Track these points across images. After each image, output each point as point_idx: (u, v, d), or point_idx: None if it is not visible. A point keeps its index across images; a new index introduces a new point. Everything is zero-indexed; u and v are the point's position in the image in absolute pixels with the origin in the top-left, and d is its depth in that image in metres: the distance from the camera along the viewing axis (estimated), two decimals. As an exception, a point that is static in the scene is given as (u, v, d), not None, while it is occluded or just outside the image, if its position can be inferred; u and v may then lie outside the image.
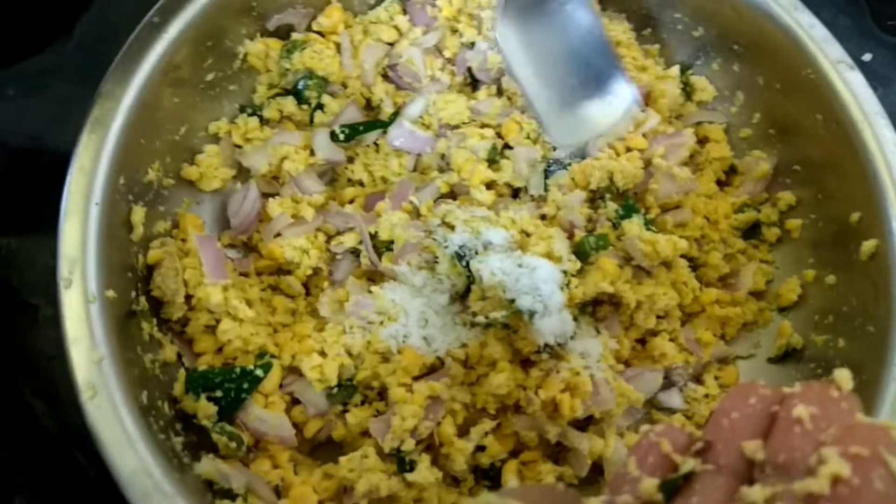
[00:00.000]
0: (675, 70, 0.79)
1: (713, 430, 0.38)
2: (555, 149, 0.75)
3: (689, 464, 0.37)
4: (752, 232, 0.77)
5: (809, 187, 0.74)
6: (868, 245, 0.65)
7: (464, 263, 0.68)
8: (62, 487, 0.71)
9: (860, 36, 0.95)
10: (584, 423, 0.68)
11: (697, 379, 0.73)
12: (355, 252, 0.73)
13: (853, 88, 0.68)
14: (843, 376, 0.36)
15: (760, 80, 0.75)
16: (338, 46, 0.78)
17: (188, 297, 0.66)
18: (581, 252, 0.68)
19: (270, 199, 0.74)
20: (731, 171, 0.79)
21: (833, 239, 0.71)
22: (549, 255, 0.66)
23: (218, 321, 0.66)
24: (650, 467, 0.38)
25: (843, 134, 0.68)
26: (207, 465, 0.58)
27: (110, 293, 0.58)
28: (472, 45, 0.79)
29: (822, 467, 0.32)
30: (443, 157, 0.78)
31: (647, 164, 0.74)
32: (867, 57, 0.90)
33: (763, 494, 0.33)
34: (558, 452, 0.69)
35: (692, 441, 0.38)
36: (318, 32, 0.78)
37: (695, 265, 0.73)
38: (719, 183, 0.78)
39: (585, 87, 0.75)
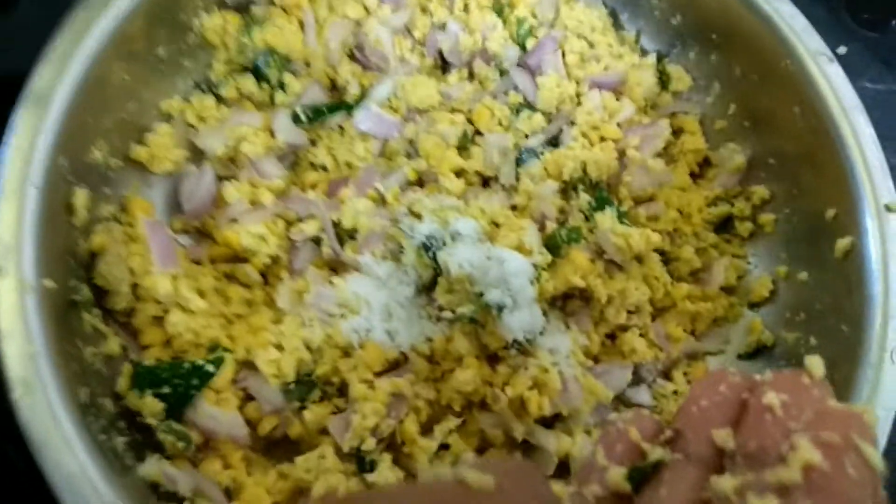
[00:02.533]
0: (652, 58, 0.76)
1: (682, 419, 0.36)
2: (527, 136, 0.72)
3: (657, 452, 0.35)
4: (724, 226, 0.75)
5: (784, 181, 0.72)
6: (843, 243, 0.64)
7: (430, 255, 0.65)
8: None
9: (835, 29, 0.94)
10: (551, 421, 0.66)
11: (666, 375, 0.71)
12: (316, 240, 0.70)
13: (832, 81, 0.66)
14: (815, 363, 0.35)
15: (738, 70, 0.73)
16: (301, 23, 0.74)
17: (134, 287, 0.62)
18: (552, 245, 0.65)
19: (226, 183, 0.70)
20: (705, 163, 0.77)
21: (807, 235, 0.70)
22: (519, 248, 0.63)
23: (166, 312, 0.62)
24: (618, 456, 0.37)
25: (820, 128, 0.66)
26: (152, 467, 0.54)
27: (48, 282, 0.53)
28: (443, 26, 0.76)
29: (792, 455, 0.31)
30: (411, 142, 0.74)
31: (621, 154, 0.71)
32: (842, 50, 0.88)
33: (733, 483, 0.32)
34: (524, 450, 0.67)
35: (661, 429, 0.37)
36: (280, 7, 0.73)
37: (666, 259, 0.71)
38: (692, 175, 0.76)
39: None
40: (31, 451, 0.49)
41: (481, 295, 0.62)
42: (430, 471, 0.41)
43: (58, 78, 0.58)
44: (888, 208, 0.62)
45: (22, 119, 0.56)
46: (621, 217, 0.67)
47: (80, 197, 0.59)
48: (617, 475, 0.35)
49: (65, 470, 0.49)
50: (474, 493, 0.33)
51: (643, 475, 0.35)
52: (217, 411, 0.60)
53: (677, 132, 0.77)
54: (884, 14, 0.95)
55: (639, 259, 0.67)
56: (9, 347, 0.50)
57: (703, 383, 0.37)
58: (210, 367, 0.60)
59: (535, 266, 0.63)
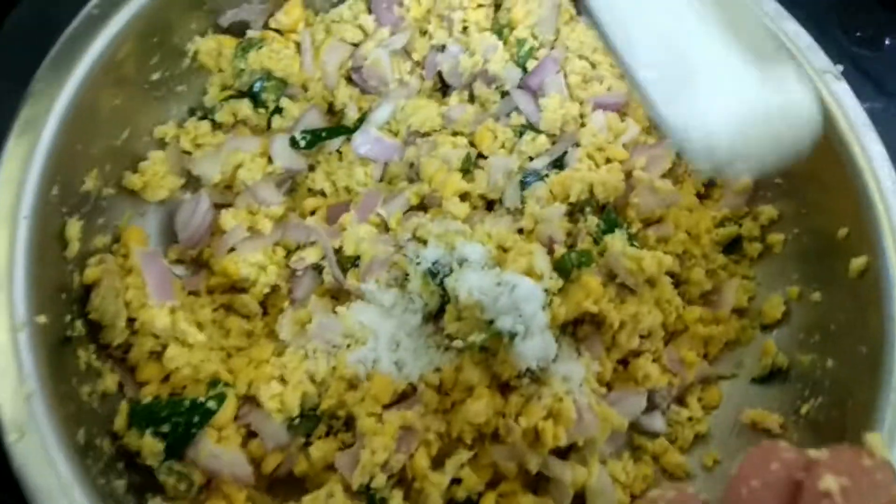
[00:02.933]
0: (655, 78, 0.75)
1: (731, 500, 0.34)
2: (531, 158, 0.71)
3: None
4: (732, 247, 0.74)
5: (792, 201, 0.71)
6: (857, 262, 0.63)
7: (437, 281, 0.63)
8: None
9: (828, 48, 0.94)
10: (565, 452, 0.64)
11: (680, 401, 0.70)
12: (317, 268, 0.68)
13: (840, 99, 0.65)
14: (876, 442, 0.33)
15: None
16: (297, 46, 0.72)
17: (130, 321, 0.59)
18: (562, 269, 0.64)
19: (223, 211, 0.68)
20: (710, 183, 0.76)
21: (818, 254, 0.69)
22: (529, 272, 0.61)
23: (164, 346, 0.60)
24: None
25: (828, 146, 0.65)
26: (154, 512, 0.52)
27: (41, 318, 0.51)
28: (442, 47, 0.74)
29: None
30: (411, 166, 0.73)
31: (628, 175, 0.70)
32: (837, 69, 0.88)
33: None
34: (537, 482, 0.64)
35: None
36: (276, 31, 0.72)
37: (676, 282, 0.70)
38: (698, 196, 0.75)
39: (734, 73, 0.46)
40: (27, 497, 0.46)
41: (492, 322, 0.60)
42: None
43: (47, 106, 0.56)
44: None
45: (12, 149, 0.53)
46: (631, 239, 0.65)
47: (73, 228, 0.57)
48: None
49: (61, 519, 0.46)
50: None
51: None
52: (219, 450, 0.57)
53: (681, 152, 0.75)
54: (877, 33, 0.96)
55: (650, 282, 0.66)
56: (1, 389, 0.48)
57: (753, 459, 0.35)
58: (211, 404, 0.57)
59: (547, 291, 0.62)
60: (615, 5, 0.46)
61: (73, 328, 0.56)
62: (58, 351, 0.53)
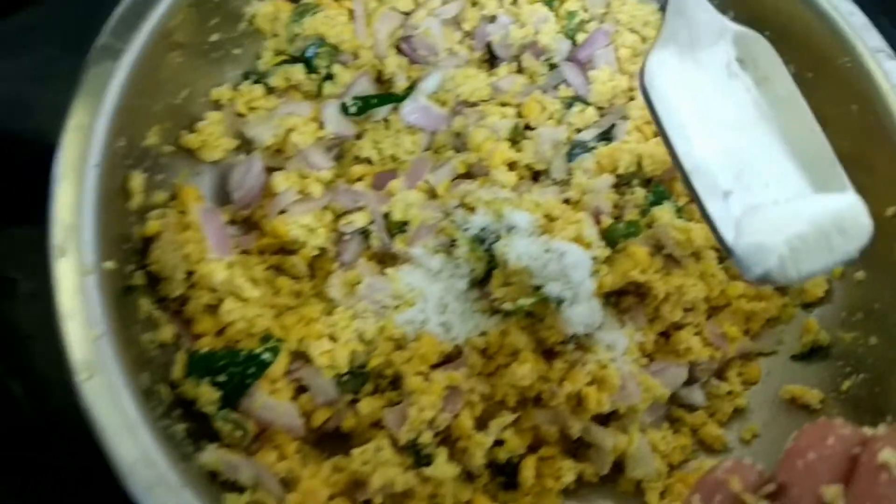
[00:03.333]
0: (705, 54, 0.76)
1: (787, 472, 0.35)
2: (579, 131, 0.72)
3: None
4: (776, 225, 0.74)
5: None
6: (904, 241, 0.63)
7: (485, 247, 0.64)
8: (41, 475, 0.65)
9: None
10: (606, 419, 0.65)
11: (719, 375, 0.70)
12: (364, 233, 0.69)
13: (892, 78, 0.65)
14: None
15: (792, 68, 0.71)
16: (350, 13, 0.73)
17: (188, 275, 0.60)
18: (609, 239, 0.65)
19: (276, 173, 0.69)
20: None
21: (862, 234, 0.69)
22: (578, 240, 0.62)
23: (220, 301, 0.61)
24: None
25: (878, 125, 0.66)
26: (213, 455, 0.53)
27: (109, 264, 0.52)
28: (493, 18, 0.75)
29: None
30: (458, 135, 0.73)
31: (675, 149, 0.70)
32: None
33: None
34: (576, 448, 0.65)
35: (763, 481, 0.35)
36: (330, -3, 0.73)
37: (721, 257, 0.70)
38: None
39: (789, 181, 0.46)
40: (95, 435, 0.48)
41: (539, 288, 0.61)
42: None
43: (114, 61, 0.57)
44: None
45: (81, 100, 0.55)
46: (679, 212, 0.66)
47: (137, 180, 0.58)
48: None
49: (130, 455, 0.47)
50: None
51: None
52: (273, 401, 0.58)
53: (727, 130, 0.76)
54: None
55: (696, 255, 0.67)
56: (72, 329, 0.49)
57: (809, 434, 0.35)
58: (267, 356, 0.59)
59: (594, 259, 0.62)
60: (673, 97, 0.46)
61: (134, 278, 0.57)
62: (121, 298, 0.54)
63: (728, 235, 0.44)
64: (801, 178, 0.46)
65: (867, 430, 0.34)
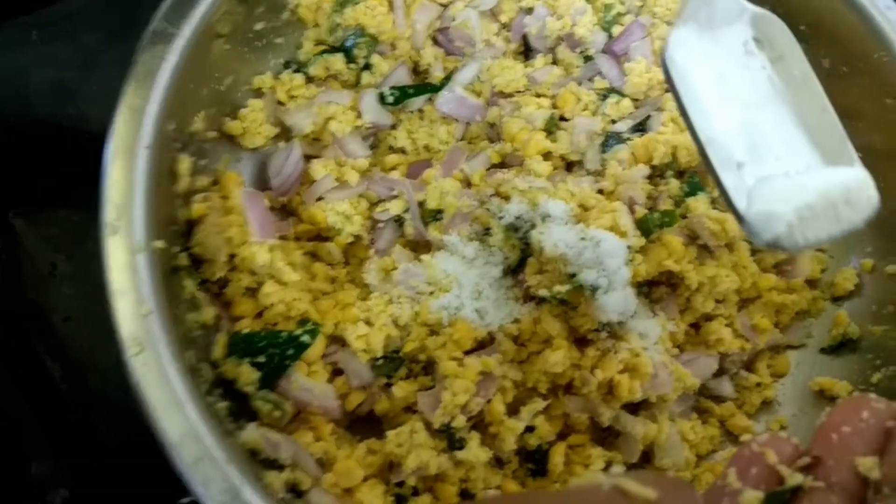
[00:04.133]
0: (740, 48, 0.76)
1: (822, 445, 0.35)
2: (614, 122, 0.72)
3: (796, 478, 0.34)
4: (807, 219, 0.74)
5: (871, 175, 0.71)
6: (937, 235, 0.63)
7: (519, 235, 0.65)
8: (80, 453, 0.67)
9: None
10: (636, 408, 0.65)
11: (749, 367, 0.71)
12: (398, 221, 0.70)
13: (925, 67, 0.66)
14: None
15: (826, 62, 0.73)
16: (390, 4, 0.74)
17: (230, 257, 0.62)
18: (644, 228, 0.65)
19: (314, 161, 0.70)
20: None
21: (894, 228, 0.69)
22: (613, 229, 0.63)
23: (259, 284, 0.62)
24: (753, 479, 0.36)
25: (911, 120, 0.66)
26: (254, 433, 0.54)
27: (159, 243, 0.54)
28: (530, 10, 0.76)
29: None
30: (492, 126, 0.74)
31: (709, 142, 0.71)
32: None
33: None
34: (606, 437, 0.66)
35: (798, 453, 0.36)
36: (370, -12, 0.74)
37: (752, 250, 0.71)
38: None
39: (800, 154, 0.49)
40: (144, 410, 0.49)
41: (574, 276, 0.62)
42: (584, 478, 0.39)
43: (166, 46, 0.58)
44: None
45: (133, 83, 0.56)
46: (713, 203, 0.66)
47: (184, 163, 0.59)
48: (752, 498, 0.34)
49: (177, 430, 0.48)
50: None
51: (781, 501, 0.34)
52: (310, 383, 0.60)
53: (761, 123, 0.76)
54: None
55: (729, 246, 0.67)
56: (122, 305, 0.51)
57: (844, 409, 0.36)
58: (306, 338, 0.60)
59: (629, 248, 0.63)
60: (692, 73, 0.48)
61: (179, 259, 0.59)
62: (168, 278, 0.56)
63: (740, 204, 0.46)
64: (812, 152, 0.48)
65: None
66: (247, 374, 0.58)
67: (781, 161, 0.47)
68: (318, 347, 0.61)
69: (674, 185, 0.68)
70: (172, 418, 0.49)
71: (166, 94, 0.57)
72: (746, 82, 0.49)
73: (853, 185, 0.47)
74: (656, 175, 0.70)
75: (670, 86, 0.49)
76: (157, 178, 0.56)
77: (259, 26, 0.68)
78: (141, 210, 0.53)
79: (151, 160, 0.55)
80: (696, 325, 0.69)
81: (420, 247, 0.70)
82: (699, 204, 0.65)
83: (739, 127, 0.48)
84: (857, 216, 0.47)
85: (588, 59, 0.75)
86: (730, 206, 0.47)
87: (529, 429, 0.63)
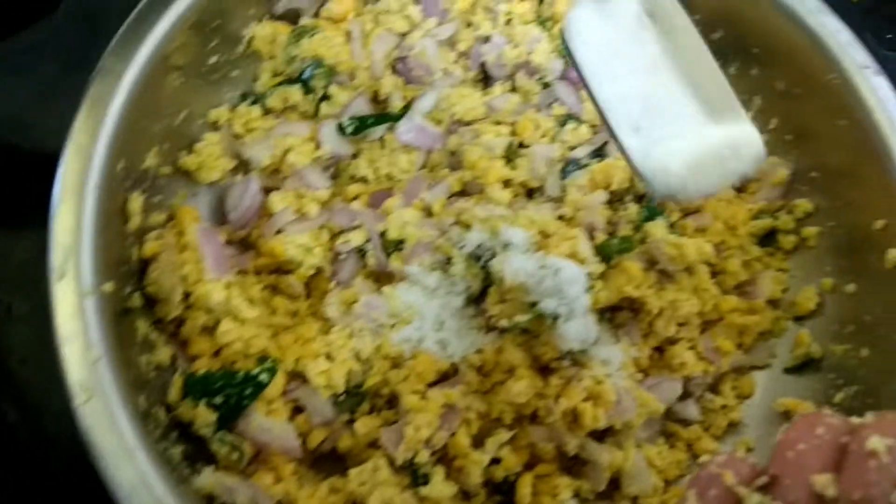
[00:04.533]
0: (695, 72, 0.77)
1: (778, 464, 0.35)
2: (572, 148, 0.72)
3: (754, 498, 0.34)
4: (767, 239, 0.75)
5: (827, 195, 0.72)
6: (893, 253, 0.64)
7: (481, 264, 0.65)
8: (35, 501, 0.65)
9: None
10: (602, 435, 0.65)
11: (714, 389, 0.71)
12: (360, 252, 0.69)
13: (879, 94, 0.66)
14: None
15: (780, 84, 0.74)
16: (347, 35, 0.74)
17: (186, 295, 0.61)
18: (604, 254, 0.65)
19: (272, 194, 0.70)
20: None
21: (853, 247, 0.70)
22: (573, 256, 0.63)
23: (217, 321, 0.61)
24: (712, 501, 0.35)
25: (866, 140, 0.67)
26: (209, 478, 0.53)
27: (108, 286, 0.53)
28: (487, 39, 0.76)
29: None
30: (453, 154, 0.74)
31: (667, 166, 0.71)
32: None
33: None
34: (573, 465, 0.66)
35: (756, 473, 0.36)
36: (327, 19, 0.74)
37: (713, 272, 0.71)
38: (735, 189, 0.76)
39: (690, 116, 0.52)
40: (93, 459, 0.48)
41: (535, 304, 0.61)
42: None
43: (115, 83, 0.58)
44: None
45: (82, 122, 0.55)
46: (671, 228, 0.67)
47: (136, 202, 0.59)
48: None
49: (127, 479, 0.47)
50: None
51: None
52: (270, 422, 0.59)
53: (718, 146, 0.77)
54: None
55: (689, 270, 0.67)
56: (70, 352, 0.49)
57: (799, 425, 0.36)
58: (263, 377, 0.59)
59: (589, 275, 0.63)
60: (591, 47, 0.53)
61: (132, 300, 0.57)
62: (119, 320, 0.55)
63: (638, 162, 0.51)
64: (702, 113, 0.52)
65: (855, 420, 0.35)
66: (203, 416, 0.57)
67: (674, 122, 0.52)
68: (277, 385, 0.60)
69: (633, 209, 0.68)
70: (123, 467, 0.48)
71: (115, 133, 0.56)
72: (640, 53, 0.53)
73: (741, 139, 0.51)
74: (615, 200, 0.70)
75: (571, 60, 0.53)
76: (108, 218, 0.55)
77: (213, 59, 0.68)
78: (89, 252, 0.52)
79: (100, 200, 0.54)
80: (659, 349, 0.69)
81: (383, 277, 0.69)
82: (657, 229, 0.65)
83: (635, 93, 0.52)
84: (744, 167, 0.51)
85: (546, 85, 0.76)
86: (630, 165, 0.51)
87: (496, 460, 0.62)
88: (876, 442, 0.32)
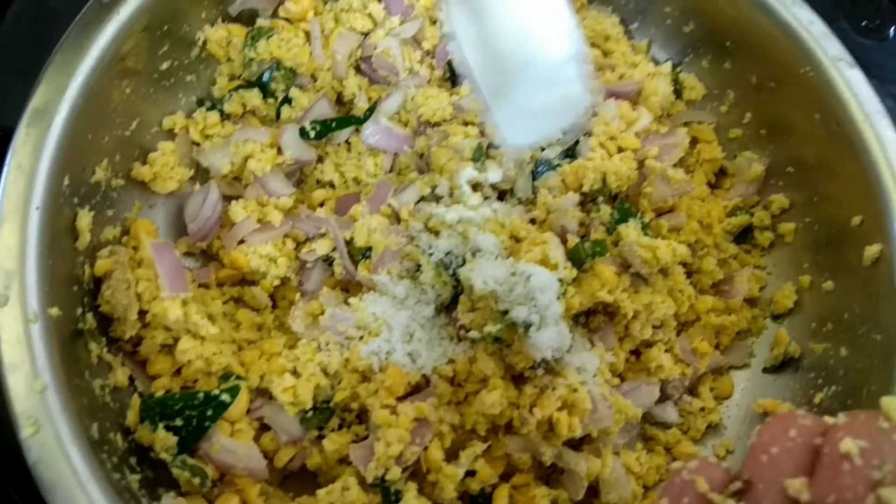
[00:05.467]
0: (668, 66, 0.75)
1: (752, 468, 0.34)
2: (543, 149, 0.70)
3: None
4: (743, 236, 0.73)
5: (803, 190, 0.71)
6: (871, 250, 0.63)
7: (450, 272, 0.63)
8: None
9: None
10: (578, 443, 0.63)
11: (692, 391, 0.69)
12: (328, 260, 0.67)
13: (854, 87, 0.65)
14: (892, 405, 0.33)
15: (753, 77, 0.72)
16: (307, 35, 0.71)
17: (142, 313, 0.58)
18: (576, 258, 0.63)
19: (233, 202, 0.67)
20: (721, 173, 0.76)
21: (830, 243, 0.69)
22: (544, 262, 0.61)
23: (176, 339, 0.59)
24: None
25: (842, 134, 0.65)
26: (169, 506, 0.51)
27: (54, 311, 0.50)
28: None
29: None
30: (421, 156, 0.72)
31: (640, 164, 0.69)
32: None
33: None
34: (550, 474, 0.64)
35: (729, 478, 0.35)
36: (285, 19, 0.71)
37: (688, 272, 0.69)
38: (709, 185, 0.75)
39: (538, 81, 0.62)
40: (42, 492, 0.45)
41: (506, 313, 0.59)
42: None
43: (57, 95, 0.55)
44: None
45: (22, 139, 0.52)
46: (645, 229, 0.65)
47: (84, 219, 0.56)
48: None
49: (79, 514, 0.45)
50: None
51: None
52: (233, 444, 0.56)
53: (692, 142, 0.75)
54: (883, 21, 0.95)
55: (663, 272, 0.66)
56: (15, 381, 0.47)
57: (772, 427, 0.35)
58: (225, 397, 0.57)
59: (561, 281, 0.61)
60: (463, 29, 0.63)
61: (84, 321, 0.55)
62: (70, 344, 0.52)
63: (496, 119, 0.63)
64: (548, 76, 0.62)
65: (828, 419, 0.34)
66: (163, 440, 0.54)
67: (523, 82, 0.62)
68: (240, 404, 0.58)
69: (605, 211, 0.66)
70: (74, 500, 0.45)
71: (59, 147, 0.53)
72: (504, 33, 0.62)
73: (574, 96, 0.63)
74: (588, 201, 0.68)
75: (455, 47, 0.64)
76: (54, 237, 0.53)
77: (166, 65, 0.65)
78: (35, 275, 0.50)
79: (46, 220, 0.51)
80: (636, 353, 0.68)
81: (352, 287, 0.67)
82: (630, 231, 0.63)
83: (492, 57, 0.63)
84: (575, 116, 0.65)
85: (515, 83, 0.73)
86: (486, 117, 0.65)
87: (470, 473, 0.60)
88: (849, 444, 0.32)
